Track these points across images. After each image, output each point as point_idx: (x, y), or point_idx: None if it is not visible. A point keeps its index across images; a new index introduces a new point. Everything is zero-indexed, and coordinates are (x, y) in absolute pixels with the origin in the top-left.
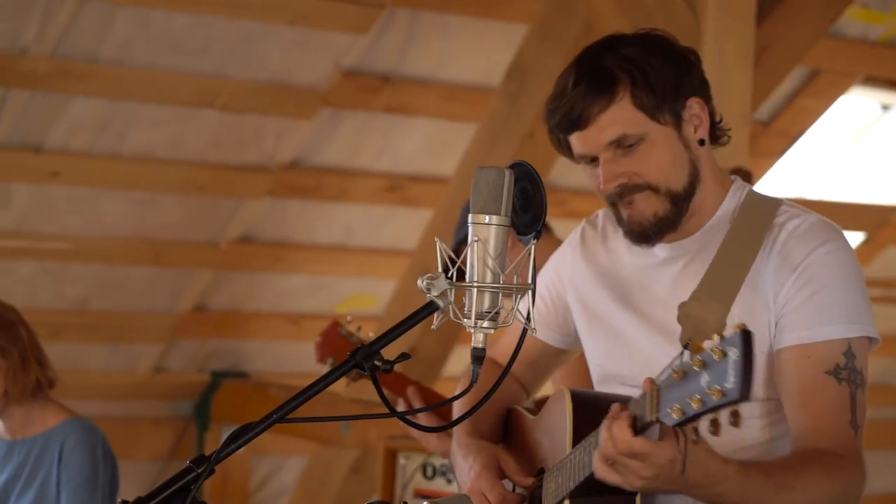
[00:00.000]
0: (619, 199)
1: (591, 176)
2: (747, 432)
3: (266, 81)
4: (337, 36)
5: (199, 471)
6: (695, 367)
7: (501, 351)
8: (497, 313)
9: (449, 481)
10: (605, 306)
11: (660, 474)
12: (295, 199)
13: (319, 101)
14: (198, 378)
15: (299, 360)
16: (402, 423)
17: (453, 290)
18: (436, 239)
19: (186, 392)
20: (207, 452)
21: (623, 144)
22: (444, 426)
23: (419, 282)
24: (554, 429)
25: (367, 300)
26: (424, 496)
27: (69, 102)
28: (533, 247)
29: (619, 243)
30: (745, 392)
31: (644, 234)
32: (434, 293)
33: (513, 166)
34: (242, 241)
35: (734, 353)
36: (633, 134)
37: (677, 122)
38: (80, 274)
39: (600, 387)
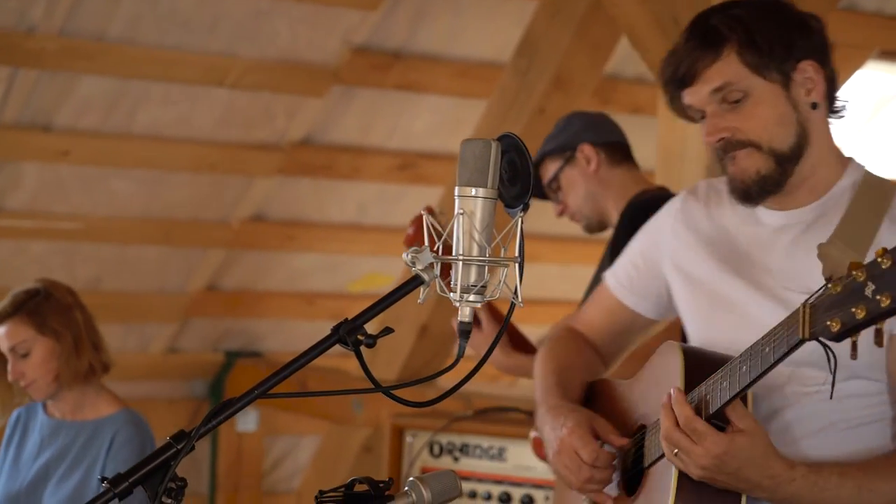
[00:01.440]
0: (723, 153)
1: (703, 133)
2: (849, 409)
3: (276, 59)
4: (347, 12)
5: (179, 447)
6: (858, 279)
7: (584, 319)
8: (484, 287)
9: (455, 459)
10: (710, 274)
11: (716, 466)
12: (307, 178)
13: (330, 79)
14: (212, 358)
15: (313, 338)
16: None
17: (439, 264)
18: (422, 212)
19: (200, 372)
20: (223, 433)
21: (728, 98)
22: (434, 400)
23: (404, 255)
24: (660, 383)
25: (380, 278)
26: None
27: (78, 81)
28: (520, 219)
29: (725, 212)
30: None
31: (746, 192)
32: (419, 267)
33: (500, 138)
34: (254, 219)
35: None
36: (736, 86)
37: (785, 82)
38: (91, 254)
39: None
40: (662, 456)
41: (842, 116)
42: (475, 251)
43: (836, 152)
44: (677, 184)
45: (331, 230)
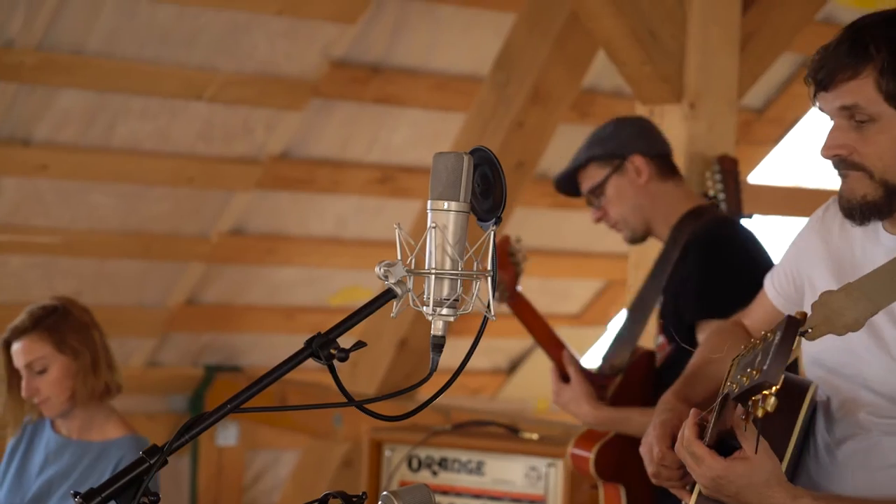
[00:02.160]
0: (836, 169)
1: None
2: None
3: (254, 72)
4: (325, 26)
5: (152, 461)
6: (757, 346)
7: (750, 317)
8: (457, 300)
9: (434, 473)
10: (827, 289)
11: (714, 487)
12: (286, 191)
13: (309, 92)
14: (191, 372)
15: (292, 352)
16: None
17: (412, 277)
18: (395, 225)
19: (180, 386)
20: (201, 447)
21: (855, 117)
22: (407, 414)
23: (376, 269)
24: None
25: (360, 292)
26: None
27: (56, 95)
28: (493, 233)
29: (856, 226)
30: (772, 375)
31: (849, 211)
32: (392, 280)
33: (473, 151)
34: (234, 233)
35: (777, 336)
36: (866, 110)
37: None
38: (70, 268)
39: (808, 370)
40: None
41: None
42: (448, 265)
43: None
44: None
45: (310, 244)
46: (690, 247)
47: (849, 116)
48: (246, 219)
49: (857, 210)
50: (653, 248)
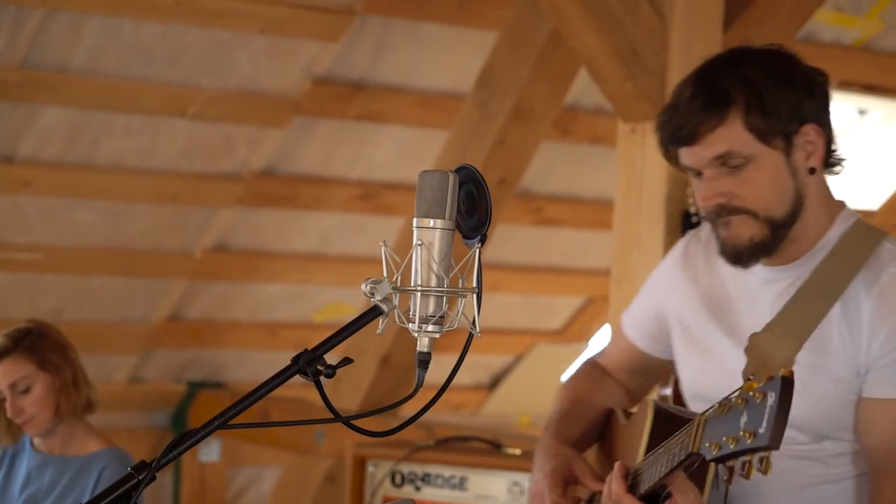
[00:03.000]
0: (716, 217)
1: (695, 189)
2: (815, 468)
3: (237, 90)
4: (308, 44)
5: (140, 477)
6: (738, 406)
7: (608, 356)
8: (442, 317)
9: (417, 488)
10: (702, 325)
11: None
12: (269, 208)
13: (292, 110)
14: (174, 388)
15: (276, 369)
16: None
17: (398, 294)
18: (381, 243)
19: (163, 402)
20: (184, 463)
21: (728, 163)
22: (393, 429)
23: (363, 286)
24: (631, 438)
25: (343, 308)
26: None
27: (40, 112)
28: (478, 250)
29: (721, 260)
30: (774, 440)
31: (737, 256)
32: (378, 297)
33: (458, 170)
34: (217, 250)
35: (771, 399)
36: (740, 153)
37: (788, 148)
38: (53, 285)
39: (691, 403)
40: None
41: (838, 172)
42: (433, 282)
43: (827, 205)
44: (637, 213)
45: (293, 260)
46: None
47: (721, 164)
48: (229, 235)
49: (746, 252)
50: (634, 263)
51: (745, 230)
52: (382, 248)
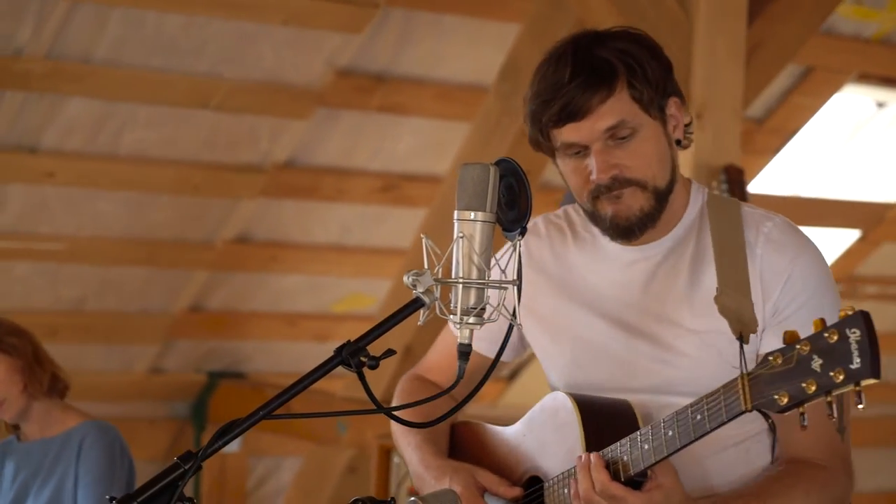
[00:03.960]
0: (607, 191)
1: (572, 170)
2: (726, 429)
3: (260, 81)
4: (331, 35)
5: (186, 467)
6: (803, 352)
7: (428, 366)
8: (483, 309)
9: None
10: (565, 315)
11: None
12: (290, 199)
13: (314, 101)
14: (194, 378)
15: (296, 359)
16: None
17: (439, 287)
18: (422, 236)
19: (183, 393)
20: None
21: (617, 135)
22: (434, 421)
23: (405, 278)
24: (553, 434)
25: (363, 300)
26: (417, 494)
27: (64, 103)
28: (519, 243)
29: (570, 250)
30: (876, 369)
31: (629, 229)
32: (420, 289)
33: (498, 163)
34: (238, 241)
35: (855, 334)
36: (629, 123)
37: (663, 118)
38: (75, 275)
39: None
40: None
41: (685, 147)
42: (474, 274)
43: (682, 179)
44: None
45: (314, 251)
46: None
47: (610, 136)
48: (250, 226)
49: (637, 224)
50: None
51: (635, 202)
52: (424, 241)
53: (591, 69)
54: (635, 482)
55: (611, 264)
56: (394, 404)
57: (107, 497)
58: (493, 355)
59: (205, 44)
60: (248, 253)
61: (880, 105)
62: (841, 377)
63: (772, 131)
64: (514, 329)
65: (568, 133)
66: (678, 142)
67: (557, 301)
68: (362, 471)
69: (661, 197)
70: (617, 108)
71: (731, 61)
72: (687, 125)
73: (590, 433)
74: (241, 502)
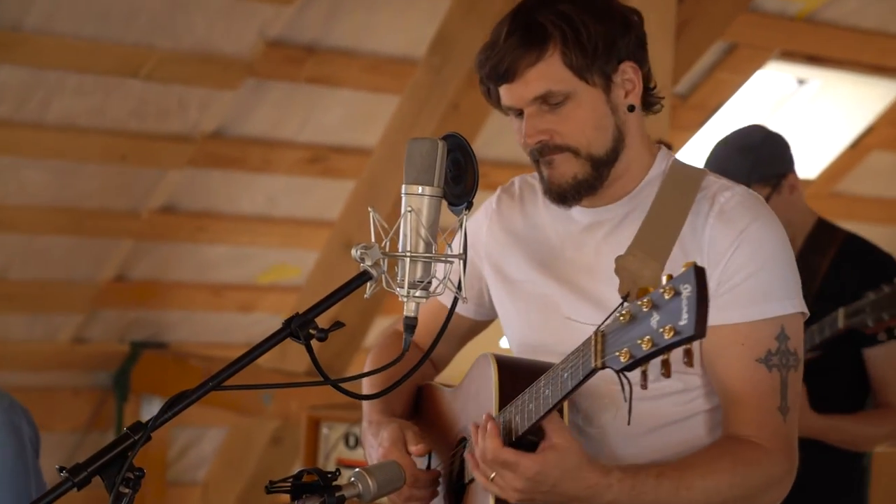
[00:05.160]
0: (539, 156)
1: (516, 129)
2: (665, 407)
3: (191, 51)
4: (263, 6)
5: (136, 437)
6: (643, 309)
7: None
8: (429, 282)
9: None
10: (525, 274)
11: (532, 487)
12: (218, 170)
13: (244, 72)
14: (117, 348)
15: (220, 330)
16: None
17: (386, 260)
18: (369, 209)
19: (106, 362)
20: (126, 423)
21: (549, 101)
22: (381, 392)
23: (353, 251)
24: (478, 396)
25: (289, 270)
26: (347, 465)
27: None
28: (465, 217)
29: (539, 209)
30: (700, 328)
31: (562, 196)
32: (368, 263)
33: (445, 138)
34: (165, 210)
35: (687, 290)
36: (559, 91)
37: (607, 85)
38: (0, 243)
39: (522, 355)
40: None
41: (656, 111)
42: (422, 248)
43: (647, 144)
44: None
45: (240, 222)
46: (843, 263)
47: (542, 102)
48: (177, 196)
49: (571, 192)
50: None
51: (569, 168)
52: (371, 214)
53: (524, 31)
54: (532, 444)
55: (570, 226)
56: (370, 357)
57: (56, 466)
58: (471, 315)
59: (137, 13)
60: (174, 223)
61: (801, 82)
62: (670, 335)
63: (695, 107)
64: (486, 287)
65: (503, 95)
66: (632, 108)
67: (519, 260)
68: (287, 442)
69: (599, 164)
70: (546, 73)
71: (661, 37)
72: (652, 89)
73: (505, 395)
74: (162, 473)
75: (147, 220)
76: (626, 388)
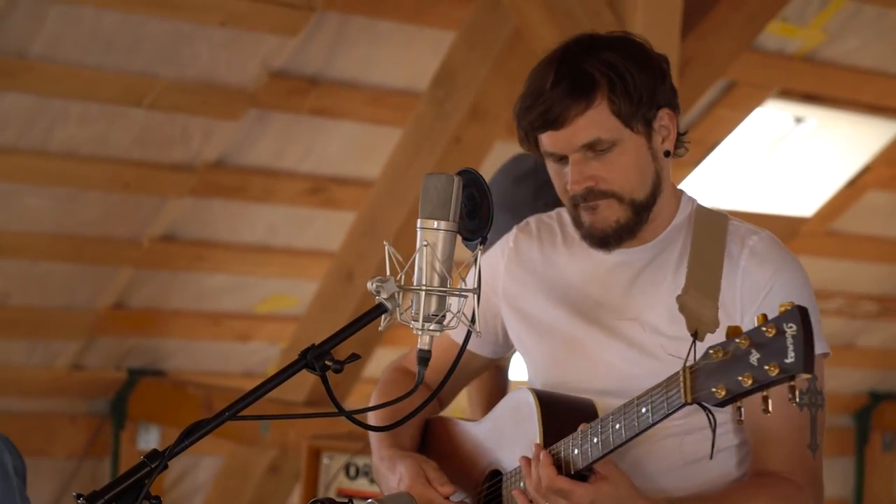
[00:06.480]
0: (583, 201)
1: (556, 174)
2: (695, 443)
3: (194, 81)
4: (267, 37)
5: (153, 465)
6: (741, 346)
7: (413, 358)
8: (443, 316)
9: (372, 481)
10: (547, 313)
11: None
12: (219, 199)
13: (247, 102)
14: (115, 375)
15: (218, 359)
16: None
17: (401, 293)
18: (385, 243)
19: (103, 389)
20: (122, 450)
21: (595, 148)
22: (396, 423)
23: (369, 284)
24: (515, 430)
25: (287, 300)
26: (348, 496)
27: None
28: (479, 252)
29: (558, 249)
30: (809, 365)
31: (605, 240)
32: (383, 296)
33: (461, 173)
34: (165, 239)
35: (792, 329)
36: (607, 139)
37: (648, 132)
38: (0, 269)
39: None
40: None
41: (681, 155)
42: (436, 282)
43: (673, 188)
44: None
45: (240, 251)
46: None
47: (588, 149)
48: (178, 225)
49: (613, 236)
50: None
51: (612, 213)
52: (386, 248)
53: (572, 79)
54: (582, 477)
55: (596, 266)
56: (374, 392)
57: (74, 494)
58: (485, 353)
59: (141, 42)
60: (174, 251)
61: (798, 120)
62: (775, 371)
63: (694, 143)
64: (501, 325)
65: (548, 141)
66: (667, 153)
67: (542, 300)
68: (284, 471)
69: (640, 209)
70: (595, 121)
71: None
72: (682, 135)
73: (548, 428)
74: None
75: (147, 248)
76: (713, 422)
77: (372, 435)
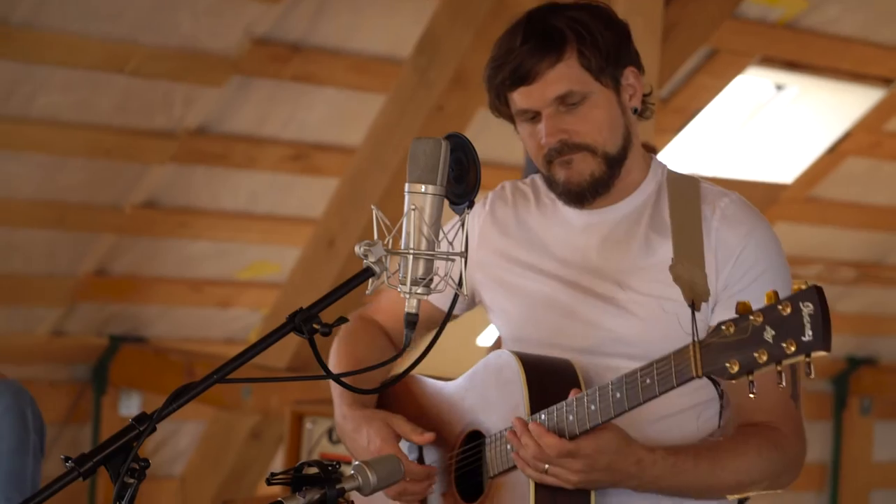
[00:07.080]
0: (557, 155)
1: (528, 134)
2: (670, 399)
3: (177, 48)
4: (250, 4)
5: (141, 428)
6: (756, 323)
7: (381, 308)
8: (431, 279)
9: None
10: (522, 274)
11: (590, 465)
12: (201, 166)
13: (230, 69)
14: (96, 342)
15: (199, 325)
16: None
17: (388, 257)
18: (372, 207)
19: (85, 356)
20: (103, 416)
21: (567, 101)
22: (379, 387)
23: (356, 248)
24: (497, 391)
25: (269, 267)
26: (332, 460)
27: None
28: (466, 216)
29: (531, 213)
30: (827, 343)
31: (580, 195)
32: (371, 259)
33: (448, 137)
34: (147, 206)
35: (809, 308)
36: (579, 91)
37: (616, 87)
38: None
39: (515, 349)
40: (513, 467)
41: (647, 117)
42: (424, 245)
43: (642, 152)
44: None
45: (222, 218)
46: None
47: (560, 102)
48: (160, 192)
49: (589, 190)
50: None
51: (586, 167)
52: (374, 212)
53: (541, 35)
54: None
55: (568, 227)
56: (337, 343)
57: (62, 456)
58: (444, 307)
59: (124, 8)
60: (156, 218)
61: (779, 88)
62: (793, 348)
63: (676, 111)
64: (476, 286)
65: (520, 98)
66: (635, 110)
67: (517, 261)
68: (266, 436)
69: (613, 163)
70: (566, 74)
71: (647, 41)
72: (647, 95)
73: (534, 392)
74: None
75: (129, 214)
76: (724, 396)
77: (333, 386)
